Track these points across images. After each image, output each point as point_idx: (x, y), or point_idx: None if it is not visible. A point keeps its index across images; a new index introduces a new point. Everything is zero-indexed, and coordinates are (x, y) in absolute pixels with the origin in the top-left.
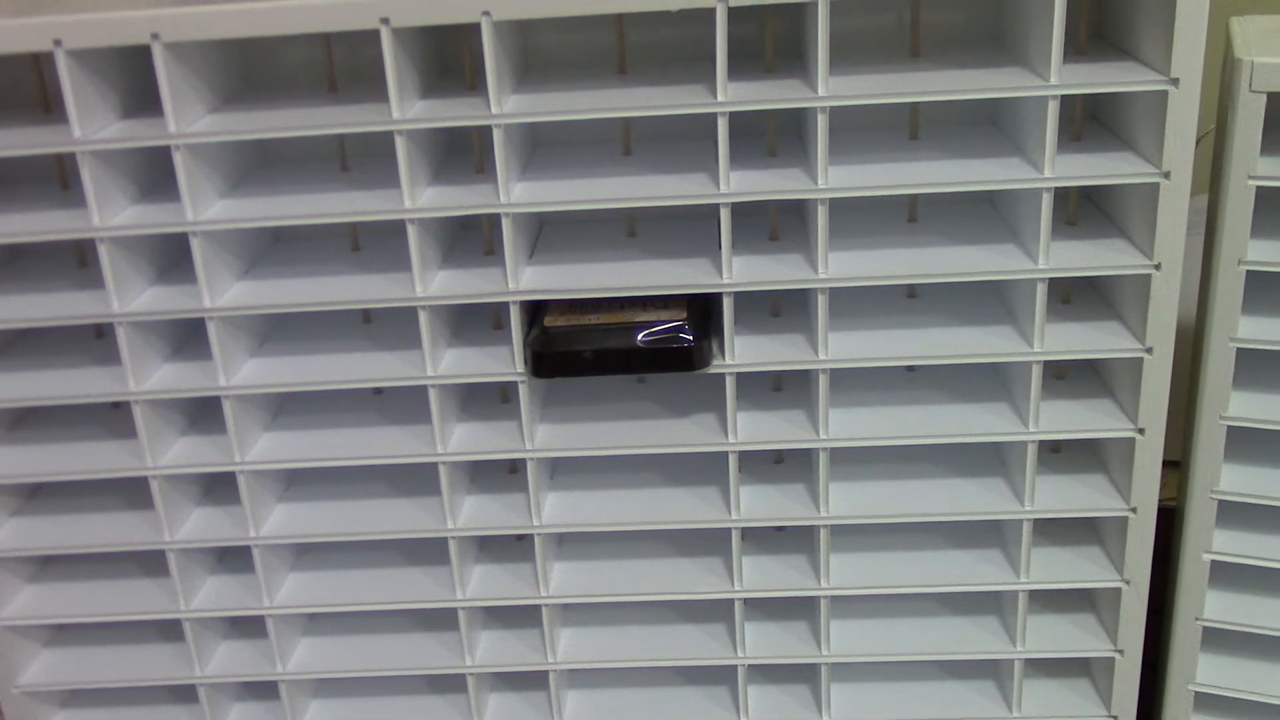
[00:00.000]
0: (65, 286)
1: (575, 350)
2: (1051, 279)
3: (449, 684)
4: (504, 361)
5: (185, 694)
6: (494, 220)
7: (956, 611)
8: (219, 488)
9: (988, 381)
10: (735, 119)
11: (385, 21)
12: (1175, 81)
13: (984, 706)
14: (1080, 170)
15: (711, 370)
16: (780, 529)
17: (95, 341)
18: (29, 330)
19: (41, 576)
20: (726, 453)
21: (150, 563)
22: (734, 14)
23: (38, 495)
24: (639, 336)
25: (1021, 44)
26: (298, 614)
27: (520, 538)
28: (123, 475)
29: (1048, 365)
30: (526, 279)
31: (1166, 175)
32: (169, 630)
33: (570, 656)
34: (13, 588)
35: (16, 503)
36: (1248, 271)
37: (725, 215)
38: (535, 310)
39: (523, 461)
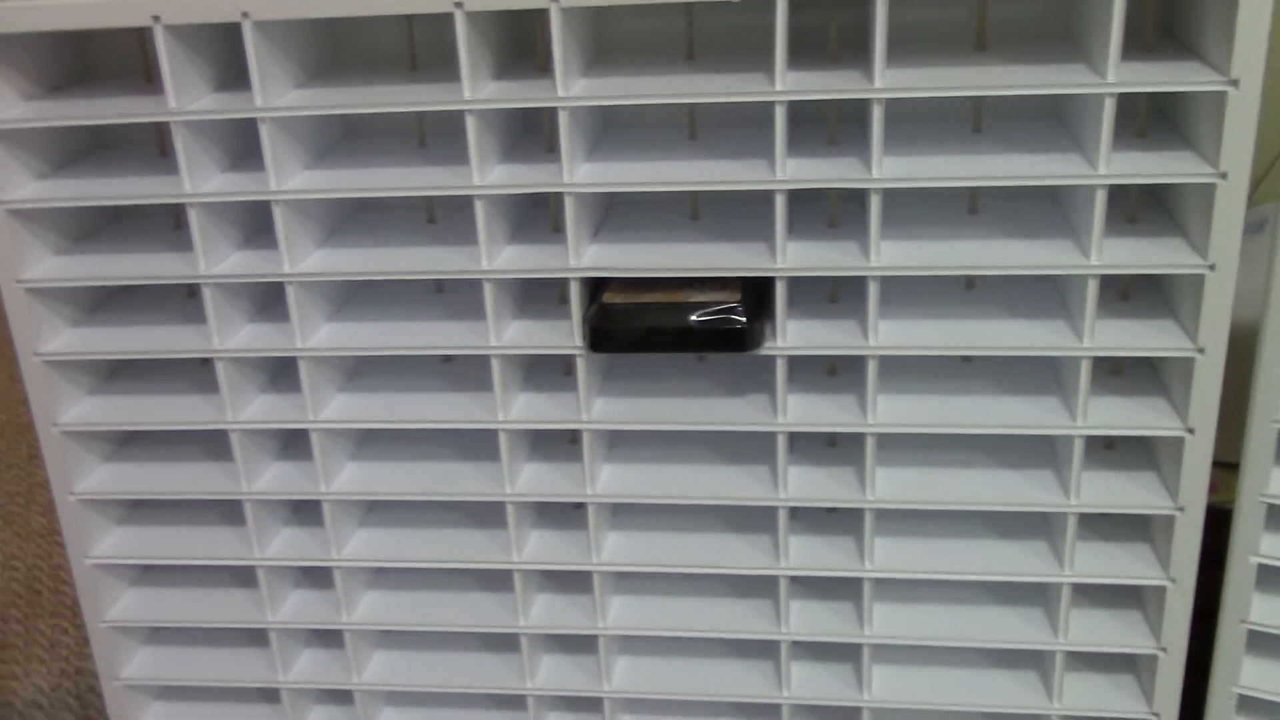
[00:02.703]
0: (159, 248)
1: (631, 327)
2: (1108, 275)
3: (503, 642)
4: (565, 335)
5: (258, 638)
6: (561, 199)
7: (1000, 601)
8: (295, 444)
9: (1042, 375)
10: (802, 107)
11: (459, 5)
12: (1235, 83)
13: (1025, 696)
14: (1136, 168)
15: (764, 352)
16: (831, 510)
17: (187, 301)
18: (126, 288)
19: (130, 520)
20: (776, 433)
21: (229, 511)
22: (802, 4)
23: (129, 443)
24: (693, 316)
25: (1086, 40)
26: (363, 567)
27: (577, 506)
28: (206, 428)
29: (1106, 361)
30: (589, 256)
31: (1224, 176)
32: (244, 575)
33: (620, 623)
34: (104, 529)
35: (109, 449)
36: None
37: (780, 201)
38: (597, 286)
39: (581, 432)
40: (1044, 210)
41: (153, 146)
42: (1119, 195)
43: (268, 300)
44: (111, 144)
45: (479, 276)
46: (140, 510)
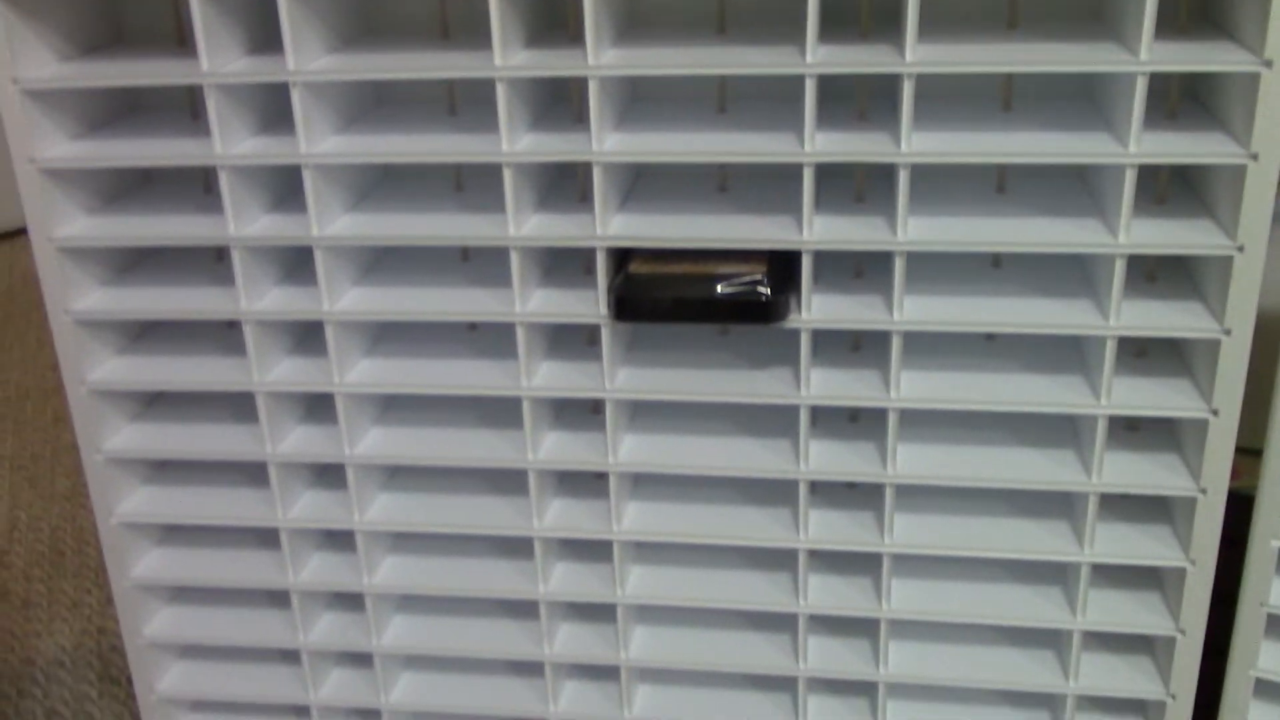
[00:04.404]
0: (190, 210)
1: (656, 297)
2: (1134, 255)
3: (522, 610)
4: (590, 305)
5: (280, 600)
6: (589, 168)
7: (1019, 579)
8: (319, 408)
9: (1066, 354)
10: (832, 82)
11: None
12: (1269, 63)
13: (1042, 675)
14: (1166, 148)
15: (787, 325)
16: (852, 486)
17: (216, 264)
18: (156, 250)
19: (155, 480)
20: (798, 407)
21: (254, 474)
22: None
23: (156, 403)
24: (718, 288)
25: (1118, 20)
26: (385, 532)
27: (599, 475)
28: (233, 389)
29: (1131, 342)
30: (615, 226)
31: (1255, 158)
32: (267, 537)
33: (638, 592)
34: (130, 488)
35: (136, 409)
36: None
37: (808, 175)
38: (623, 257)
39: (604, 402)
40: (1072, 190)
41: (185, 110)
42: (1147, 176)
43: (295, 264)
44: (145, 107)
45: (506, 244)
46: (166, 471)
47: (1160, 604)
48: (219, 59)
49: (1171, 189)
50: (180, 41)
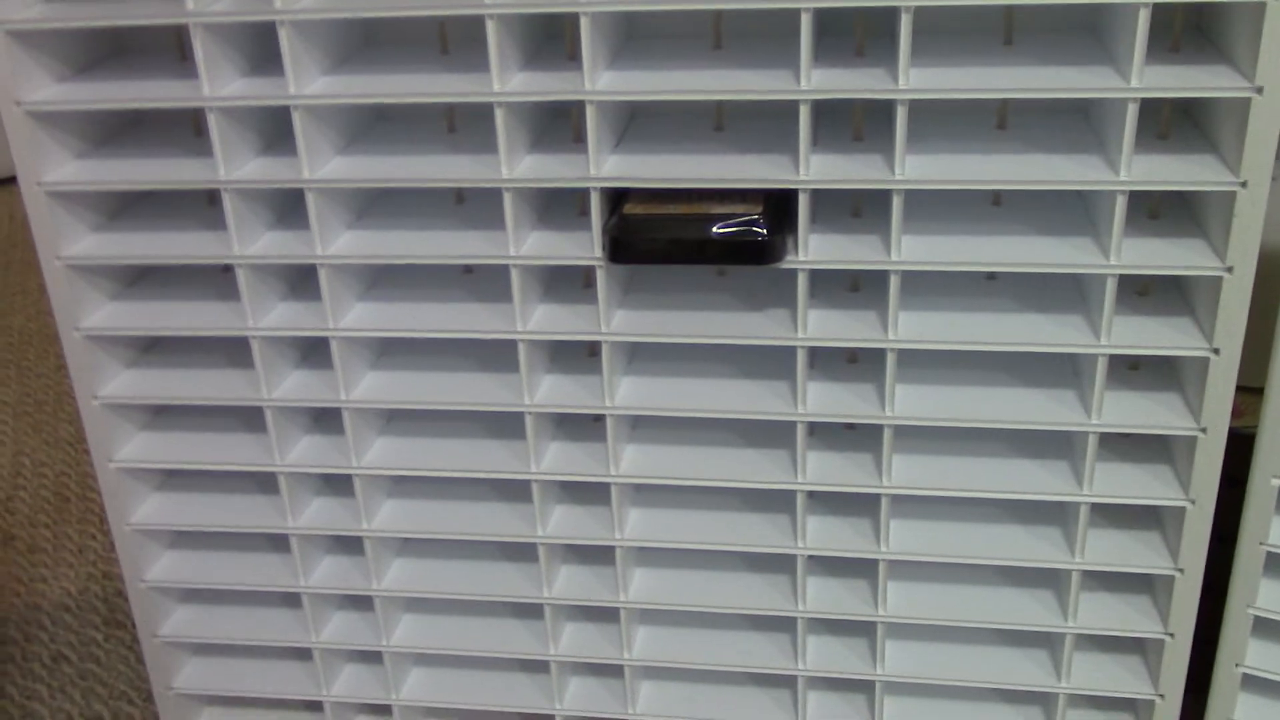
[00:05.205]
0: (179, 153)
1: (652, 238)
2: (1135, 191)
3: (521, 552)
4: (585, 246)
5: (280, 544)
6: (583, 108)
7: (1018, 519)
8: (315, 353)
9: (1067, 293)
10: (830, 17)
11: None
12: None
13: (1041, 615)
14: (1169, 82)
15: (784, 265)
16: (850, 427)
17: (207, 208)
18: (146, 193)
19: (153, 424)
20: (796, 348)
21: (251, 418)
22: None
23: (152, 349)
24: (714, 228)
25: None
26: (383, 475)
27: (596, 418)
28: (228, 334)
29: (1132, 280)
30: (610, 167)
31: (1259, 91)
32: (266, 482)
33: (637, 534)
34: (127, 433)
35: (131, 355)
36: None
37: (805, 113)
38: (618, 198)
39: (601, 345)
40: (1074, 126)
41: (173, 52)
42: (1150, 112)
43: (287, 208)
44: (132, 49)
45: (499, 185)
46: (163, 415)
47: (1160, 543)
48: None
49: (1174, 124)
50: None
